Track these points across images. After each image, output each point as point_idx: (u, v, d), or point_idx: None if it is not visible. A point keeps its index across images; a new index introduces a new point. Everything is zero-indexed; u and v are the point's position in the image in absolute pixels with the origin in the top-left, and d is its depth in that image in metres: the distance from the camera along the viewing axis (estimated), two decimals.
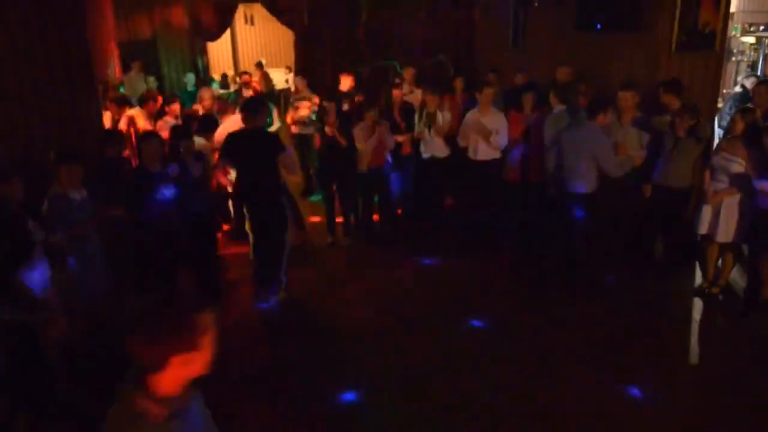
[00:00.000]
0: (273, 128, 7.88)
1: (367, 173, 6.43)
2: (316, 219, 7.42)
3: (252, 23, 14.22)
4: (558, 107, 6.00)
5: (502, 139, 6.20)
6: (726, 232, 5.14)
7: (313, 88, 8.68)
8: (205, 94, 7.39)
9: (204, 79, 12.12)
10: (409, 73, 8.10)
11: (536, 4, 8.83)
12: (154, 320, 1.63)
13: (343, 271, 6.20)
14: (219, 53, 15.28)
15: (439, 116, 6.49)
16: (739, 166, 4.94)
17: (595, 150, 5.19)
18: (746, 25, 10.51)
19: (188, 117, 6.92)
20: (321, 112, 6.66)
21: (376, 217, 6.94)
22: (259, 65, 12.73)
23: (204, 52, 13.31)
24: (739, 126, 5.15)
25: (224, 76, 12.88)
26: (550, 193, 5.85)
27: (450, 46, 10.70)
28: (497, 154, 6.33)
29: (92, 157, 5.00)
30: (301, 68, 11.00)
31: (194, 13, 11.64)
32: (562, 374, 4.32)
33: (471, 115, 6.31)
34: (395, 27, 10.78)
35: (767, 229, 4.87)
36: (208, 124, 6.29)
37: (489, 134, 6.11)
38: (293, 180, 7.93)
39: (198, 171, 5.34)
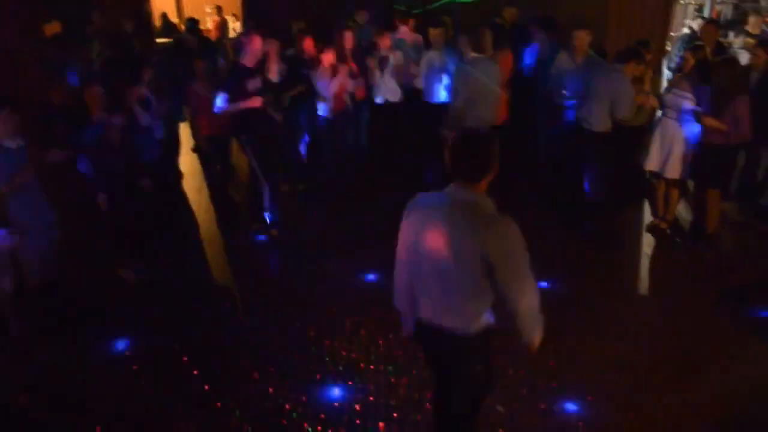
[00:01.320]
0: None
1: (332, 118, 6.24)
2: None
3: None
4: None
5: None
6: (673, 169, 5.28)
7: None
8: None
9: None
10: (361, 16, 7.90)
11: None
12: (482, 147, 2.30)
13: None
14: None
15: (391, 58, 6.37)
16: (689, 102, 5.04)
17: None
18: None
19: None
20: None
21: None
22: (219, 10, 12.25)
23: None
24: (690, 63, 5.25)
25: (165, 19, 12.09)
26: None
27: None
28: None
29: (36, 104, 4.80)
30: (248, 16, 10.58)
31: None
32: None
33: (427, 55, 6.23)
34: None
35: (711, 164, 5.03)
36: None
37: None
38: None
39: (146, 120, 5.15)
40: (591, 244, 5.34)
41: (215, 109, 4.99)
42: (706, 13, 9.15)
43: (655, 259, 5.21)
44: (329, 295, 4.63)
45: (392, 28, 7.16)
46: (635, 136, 5.70)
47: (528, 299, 2.32)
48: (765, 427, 3.41)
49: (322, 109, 6.09)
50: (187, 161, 6.90)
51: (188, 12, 14.73)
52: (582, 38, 5.74)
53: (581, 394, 3.55)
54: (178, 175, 6.22)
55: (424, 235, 2.38)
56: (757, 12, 9.05)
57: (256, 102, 4.95)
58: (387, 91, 6.49)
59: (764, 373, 3.78)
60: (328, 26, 6.79)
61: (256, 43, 5.04)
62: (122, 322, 4.32)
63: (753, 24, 8.02)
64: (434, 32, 6.17)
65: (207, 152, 6.14)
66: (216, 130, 5.76)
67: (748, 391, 3.61)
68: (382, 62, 6.38)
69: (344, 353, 3.95)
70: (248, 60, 5.02)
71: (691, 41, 7.24)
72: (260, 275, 5.09)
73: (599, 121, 5.16)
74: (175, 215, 5.66)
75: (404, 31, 7.20)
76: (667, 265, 5.14)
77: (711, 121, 4.83)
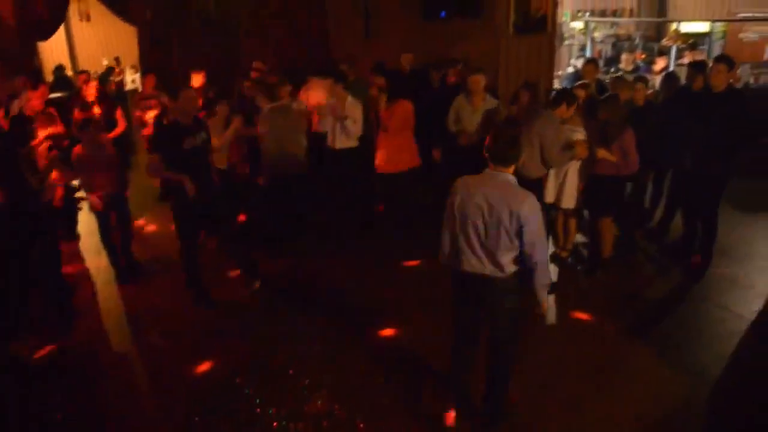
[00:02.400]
0: (118, 130, 7.42)
1: (227, 169, 6.18)
2: None
3: (88, 20, 13.21)
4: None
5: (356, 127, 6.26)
6: (568, 200, 5.56)
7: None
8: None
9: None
10: (259, 64, 7.93)
11: None
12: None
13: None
14: (53, 53, 14.01)
15: (294, 106, 6.40)
16: (580, 135, 5.36)
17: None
18: (575, 12, 11.49)
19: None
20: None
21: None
22: (117, 61, 11.96)
23: (35, 52, 12.09)
24: (580, 97, 5.59)
25: (58, 72, 11.64)
26: None
27: (303, 36, 10.61)
28: (354, 143, 6.36)
29: None
30: (147, 67, 10.37)
31: (21, 9, 10.53)
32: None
33: (329, 102, 6.32)
34: (244, 20, 10.49)
35: (603, 194, 5.35)
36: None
37: (345, 117, 6.12)
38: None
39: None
40: None
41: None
42: (588, 53, 9.86)
43: (557, 286, 5.43)
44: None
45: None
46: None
47: (544, 253, 3.20)
48: None
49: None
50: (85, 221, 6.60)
51: (83, 64, 14.26)
52: (477, 81, 6.00)
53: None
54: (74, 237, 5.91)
55: (472, 207, 3.18)
56: (630, 50, 9.90)
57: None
58: None
59: (675, 391, 3.97)
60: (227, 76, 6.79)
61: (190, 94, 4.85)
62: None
63: (626, 61, 8.75)
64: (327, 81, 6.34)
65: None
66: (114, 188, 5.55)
67: (661, 416, 3.78)
68: None
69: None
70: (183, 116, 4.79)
71: (576, 79, 7.79)
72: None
73: (530, 168, 5.10)
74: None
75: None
76: (569, 291, 5.34)
77: (604, 153, 5.14)
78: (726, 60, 5.23)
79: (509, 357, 3.50)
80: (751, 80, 8.67)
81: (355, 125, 6.21)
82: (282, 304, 5.20)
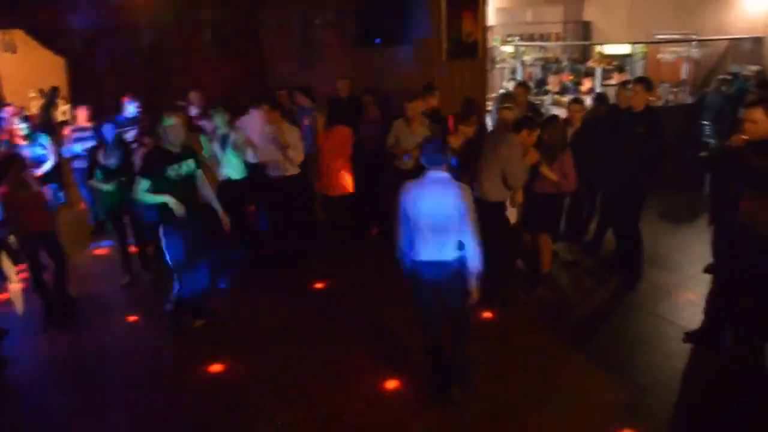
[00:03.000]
0: (48, 164, 7.17)
1: None
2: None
3: (14, 52, 12.75)
4: None
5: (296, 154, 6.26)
6: (511, 216, 5.69)
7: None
8: None
9: None
10: (195, 95, 7.85)
11: (317, 23, 9.11)
12: None
13: None
14: None
15: (233, 136, 6.35)
16: None
17: None
18: (505, 37, 11.90)
19: None
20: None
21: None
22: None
23: None
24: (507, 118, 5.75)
25: None
26: None
27: (239, 65, 10.60)
28: (296, 170, 6.36)
29: None
30: (77, 98, 10.08)
31: None
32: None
33: (265, 131, 6.30)
34: (178, 49, 10.39)
35: (541, 211, 5.52)
36: None
37: (287, 146, 6.12)
38: None
39: None
40: None
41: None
42: (519, 76, 10.22)
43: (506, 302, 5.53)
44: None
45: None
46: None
47: (477, 240, 3.73)
48: None
49: None
50: None
51: (9, 96, 13.71)
52: (414, 107, 6.13)
53: None
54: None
55: (422, 205, 3.72)
56: (557, 72, 10.34)
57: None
58: (231, 168, 6.37)
59: (616, 399, 4.09)
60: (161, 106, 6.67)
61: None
62: None
63: (553, 82, 9.12)
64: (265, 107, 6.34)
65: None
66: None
67: (605, 423, 3.88)
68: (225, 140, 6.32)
69: None
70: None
71: (503, 100, 8.04)
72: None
73: (491, 192, 5.14)
74: None
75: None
76: (511, 306, 5.44)
77: (548, 172, 5.31)
78: (644, 81, 5.53)
79: (466, 323, 4.11)
80: (671, 98, 9.17)
81: (296, 152, 6.21)
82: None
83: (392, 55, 7.89)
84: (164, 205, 4.66)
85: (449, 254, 3.79)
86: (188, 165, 4.82)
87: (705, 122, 8.68)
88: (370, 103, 7.03)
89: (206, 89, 8.38)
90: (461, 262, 3.83)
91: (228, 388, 4.37)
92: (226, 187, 6.06)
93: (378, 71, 8.07)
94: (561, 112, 7.59)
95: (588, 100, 7.52)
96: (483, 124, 6.64)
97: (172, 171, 4.68)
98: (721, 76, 8.97)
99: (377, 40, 8.05)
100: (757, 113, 3.98)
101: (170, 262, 4.87)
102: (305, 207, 6.66)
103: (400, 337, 4.91)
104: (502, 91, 9.41)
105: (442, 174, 3.78)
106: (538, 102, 8.83)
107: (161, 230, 4.79)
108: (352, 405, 4.11)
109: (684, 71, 9.45)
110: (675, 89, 9.32)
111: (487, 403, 4.07)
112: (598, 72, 9.34)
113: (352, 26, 8.38)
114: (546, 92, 9.76)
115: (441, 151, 3.80)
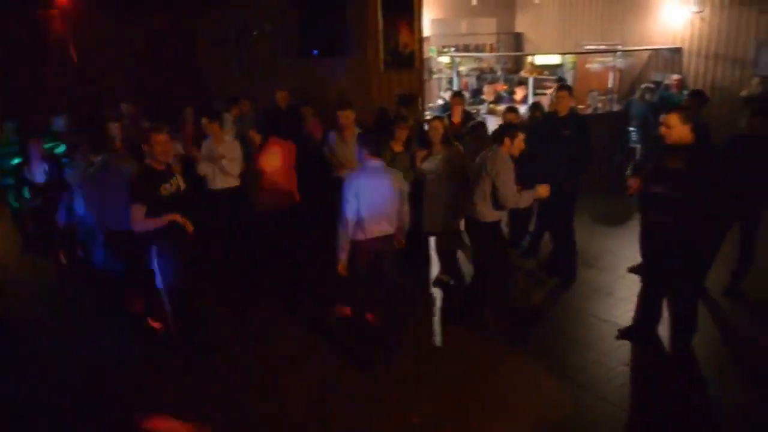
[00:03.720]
0: None
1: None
2: None
3: None
4: None
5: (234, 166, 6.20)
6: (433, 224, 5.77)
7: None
8: None
9: None
10: (130, 108, 7.67)
11: (255, 33, 9.08)
12: None
13: None
14: None
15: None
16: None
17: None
18: (441, 48, 12.15)
19: None
20: None
21: None
22: None
23: None
24: (438, 132, 5.83)
25: None
26: None
27: (178, 77, 10.43)
28: (235, 182, 6.29)
29: None
30: (7, 113, 9.66)
31: None
32: None
33: (205, 144, 6.22)
34: (110, 60, 10.14)
35: None
36: None
37: (222, 156, 6.05)
38: None
39: None
40: None
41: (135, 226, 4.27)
42: (455, 86, 10.44)
43: (442, 311, 5.65)
44: None
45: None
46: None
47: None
48: None
49: None
50: None
51: None
52: (347, 116, 6.16)
53: None
54: None
55: (368, 189, 4.29)
56: (492, 82, 10.64)
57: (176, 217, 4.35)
58: None
59: (560, 399, 4.22)
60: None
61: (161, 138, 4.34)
62: None
63: (487, 92, 9.38)
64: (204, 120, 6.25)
65: None
66: None
67: (542, 419, 4.01)
68: None
69: None
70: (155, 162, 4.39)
71: (443, 111, 8.23)
72: None
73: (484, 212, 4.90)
74: None
75: None
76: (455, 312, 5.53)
77: None
78: (566, 87, 5.94)
79: (393, 283, 4.72)
80: (599, 105, 9.58)
81: (233, 164, 6.15)
82: None
83: (331, 66, 7.94)
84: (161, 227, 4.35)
85: (392, 227, 4.49)
86: (176, 180, 4.55)
87: (631, 128, 9.13)
88: (309, 114, 7.04)
89: (140, 100, 8.21)
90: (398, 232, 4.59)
91: None
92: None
93: (318, 82, 8.10)
94: (496, 121, 7.81)
95: (522, 109, 7.77)
96: (420, 124, 6.73)
97: (165, 190, 4.39)
98: (644, 85, 9.46)
99: (315, 52, 8.08)
100: (673, 119, 4.24)
101: (164, 283, 4.57)
102: (244, 220, 6.54)
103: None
104: (440, 101, 9.61)
105: (379, 163, 4.40)
106: (474, 111, 9.04)
107: (154, 251, 4.47)
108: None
109: (611, 80, 9.89)
110: (603, 97, 9.74)
111: (430, 404, 4.13)
112: (531, 81, 9.67)
113: (292, 38, 8.39)
114: (481, 101, 10.02)
115: (379, 144, 4.48)
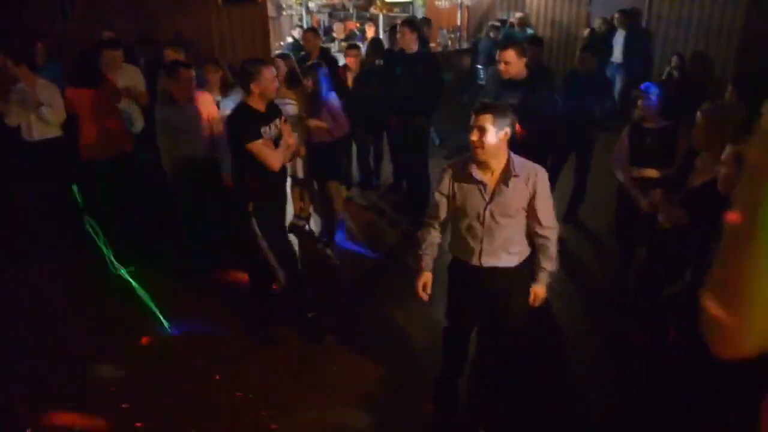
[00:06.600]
0: None
1: None
2: None
3: None
4: None
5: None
6: (300, 169, 5.63)
7: None
8: None
9: None
10: None
11: None
12: None
13: None
14: None
15: None
16: (293, 107, 5.41)
17: None
18: None
19: None
20: None
21: None
22: None
23: None
24: (282, 71, 5.62)
25: None
26: None
27: None
28: (57, 132, 5.62)
29: None
30: None
31: None
32: None
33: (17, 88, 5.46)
34: None
35: (324, 160, 5.49)
36: None
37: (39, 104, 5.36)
38: None
39: None
40: None
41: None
42: (305, 24, 10.07)
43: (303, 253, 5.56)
44: None
45: None
46: None
47: None
48: None
49: None
50: None
51: None
52: (168, 55, 5.68)
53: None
54: None
55: None
56: (343, 20, 10.40)
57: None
58: None
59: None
60: None
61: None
62: None
63: (338, 30, 9.14)
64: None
65: None
66: None
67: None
68: None
69: None
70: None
71: (295, 49, 7.89)
72: None
73: None
74: None
75: None
76: (313, 255, 5.51)
77: (314, 122, 5.28)
78: (409, 23, 5.76)
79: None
80: (449, 43, 9.73)
81: (54, 111, 5.46)
82: None
83: (166, 4, 7.26)
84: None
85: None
86: None
87: (479, 66, 9.38)
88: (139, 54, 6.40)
89: None
90: None
91: None
92: None
93: (149, 21, 7.40)
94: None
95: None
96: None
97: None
98: (491, 23, 9.70)
99: None
100: (510, 54, 4.34)
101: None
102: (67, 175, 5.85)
103: None
104: (290, 40, 9.23)
105: None
106: (327, 49, 8.79)
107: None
108: None
109: (458, 18, 10.04)
110: (452, 35, 9.89)
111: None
112: (381, 18, 9.55)
113: None
114: (333, 39, 9.76)
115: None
